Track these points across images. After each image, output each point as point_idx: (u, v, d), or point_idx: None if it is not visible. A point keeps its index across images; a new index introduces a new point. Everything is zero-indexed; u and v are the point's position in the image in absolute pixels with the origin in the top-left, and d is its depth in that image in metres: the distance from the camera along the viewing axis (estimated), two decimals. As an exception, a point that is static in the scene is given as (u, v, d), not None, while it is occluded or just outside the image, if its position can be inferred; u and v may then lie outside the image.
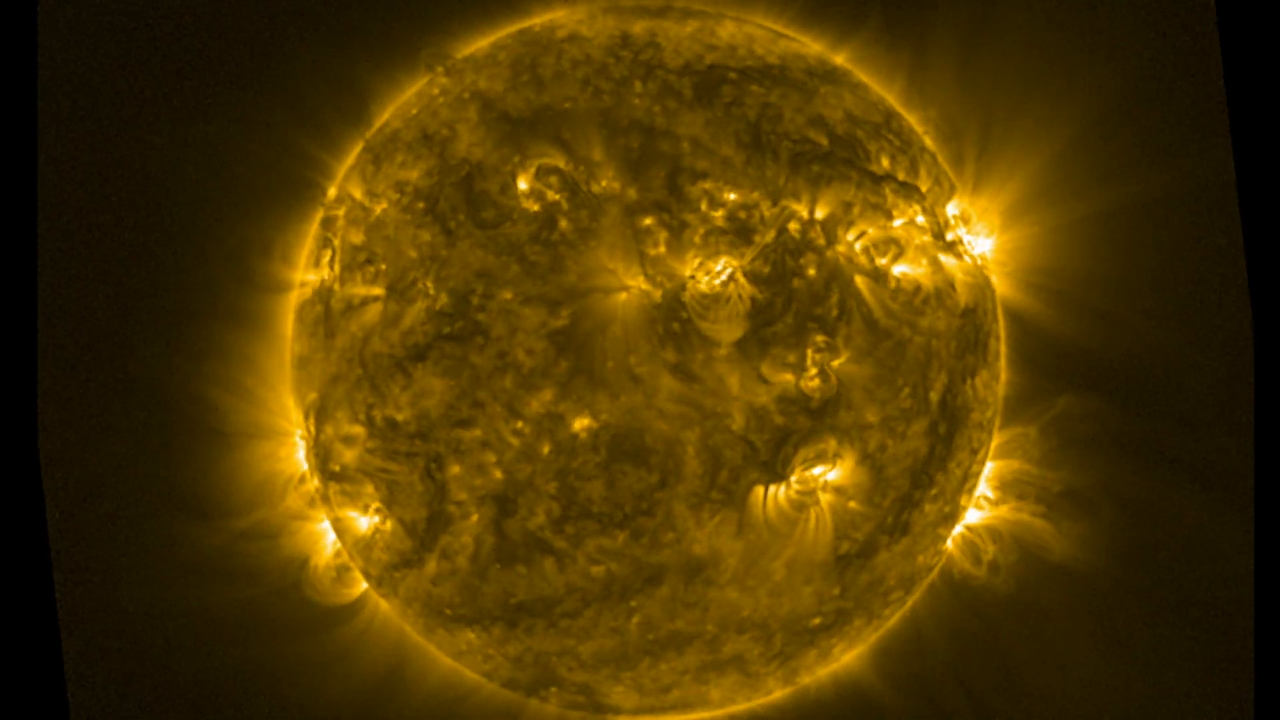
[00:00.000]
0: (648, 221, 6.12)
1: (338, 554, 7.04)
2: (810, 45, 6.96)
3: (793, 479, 6.24)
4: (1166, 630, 6.96)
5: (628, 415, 6.11)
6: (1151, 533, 6.93)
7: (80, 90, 6.96)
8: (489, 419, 6.17)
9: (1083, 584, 6.99)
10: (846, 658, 7.12)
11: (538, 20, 7.01)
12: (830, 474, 6.32)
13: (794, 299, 6.16)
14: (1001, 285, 6.99)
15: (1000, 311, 6.97)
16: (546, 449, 6.14)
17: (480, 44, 7.02)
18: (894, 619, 7.11)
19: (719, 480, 6.16)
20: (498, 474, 6.20)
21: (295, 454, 7.02)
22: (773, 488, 6.23)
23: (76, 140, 6.95)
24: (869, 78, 7.01)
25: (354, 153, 7.08)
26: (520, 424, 6.13)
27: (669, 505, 6.17)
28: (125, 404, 7.00)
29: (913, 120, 6.99)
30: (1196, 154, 6.87)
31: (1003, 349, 6.97)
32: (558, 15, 6.99)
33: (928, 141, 6.93)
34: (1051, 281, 6.96)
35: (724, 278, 6.14)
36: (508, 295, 6.15)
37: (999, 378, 6.96)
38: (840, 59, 6.96)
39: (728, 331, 6.10)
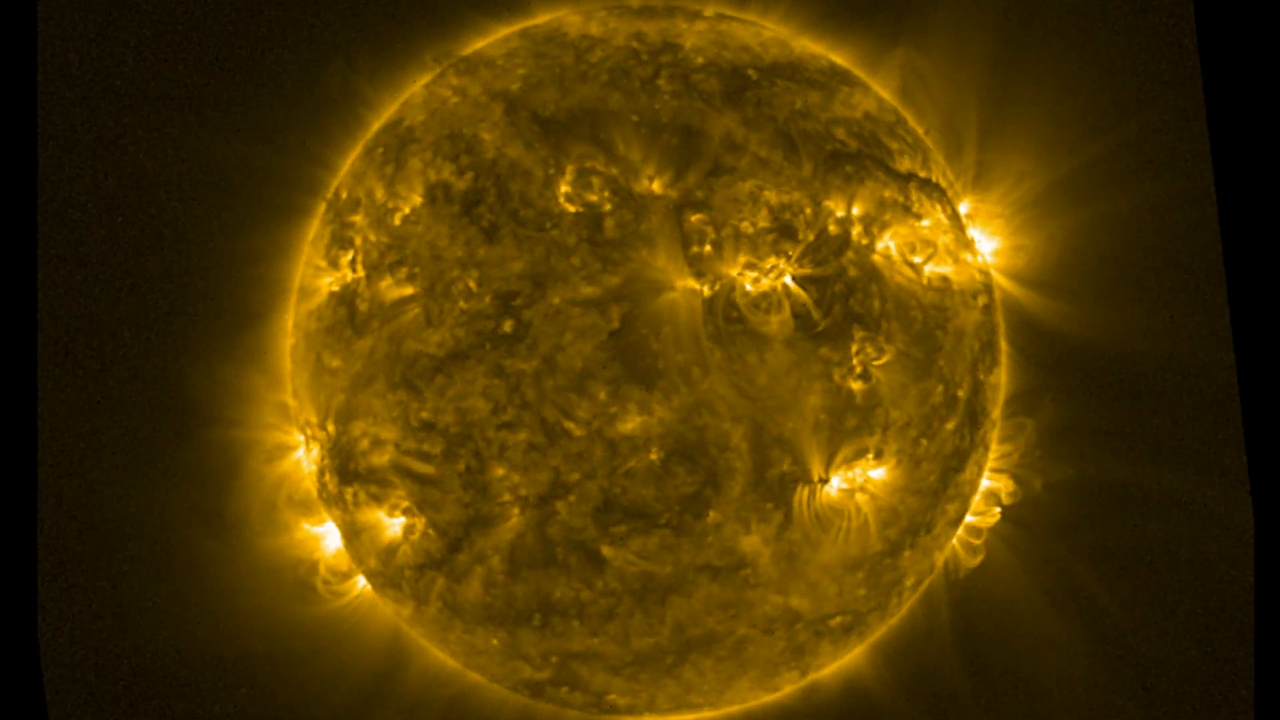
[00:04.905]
0: (694, 220, 6.13)
1: (339, 555, 6.92)
2: (813, 46, 7.04)
3: (834, 478, 6.28)
4: (1166, 629, 7.10)
5: (677, 416, 6.09)
6: (1149, 528, 7.07)
7: (80, 92, 6.78)
8: (536, 420, 6.11)
9: (1080, 582, 7.10)
10: (849, 655, 7.16)
11: (540, 19, 6.99)
12: (870, 473, 6.37)
13: (838, 299, 6.21)
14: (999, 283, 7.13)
15: (1000, 310, 7.11)
16: (595, 450, 6.10)
17: (480, 44, 6.98)
18: (895, 617, 7.18)
19: (765, 479, 6.17)
20: (543, 475, 6.13)
21: (298, 455, 6.89)
22: (816, 488, 6.25)
23: (76, 142, 6.77)
24: (869, 78, 7.11)
25: (356, 153, 6.98)
26: (570, 425, 6.08)
27: (716, 506, 6.16)
28: (125, 405, 6.82)
29: (912, 120, 7.10)
30: (1179, 160, 7.08)
31: (1004, 347, 7.10)
32: (560, 14, 6.97)
33: (928, 141, 7.05)
34: (1048, 279, 7.10)
35: (771, 277, 6.17)
36: (555, 296, 6.10)
37: (1002, 376, 7.09)
38: (840, 59, 7.05)
39: (776, 331, 6.12)
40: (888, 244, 6.39)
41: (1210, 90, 7.08)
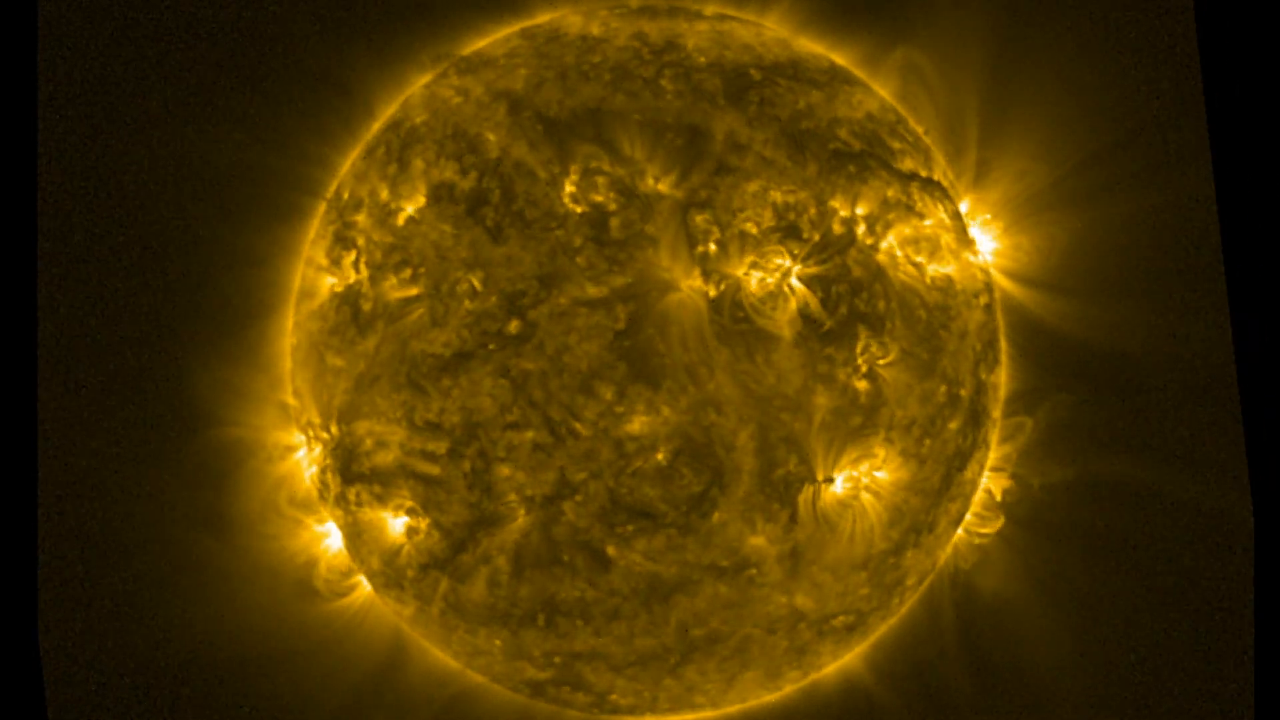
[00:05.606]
0: (699, 219, 6.13)
1: (340, 555, 6.90)
2: (813, 45, 7.05)
3: (839, 478, 6.28)
4: (1166, 629, 7.11)
5: (684, 416, 6.09)
6: (1149, 528, 7.08)
7: (80, 92, 6.75)
8: (543, 420, 6.10)
9: (1080, 581, 7.11)
10: (850, 655, 7.17)
11: (541, 19, 6.98)
12: (875, 473, 6.37)
13: (843, 299, 6.22)
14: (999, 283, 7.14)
15: (1000, 310, 7.12)
16: (602, 450, 6.10)
17: (480, 43, 6.96)
18: (896, 616, 7.18)
19: (771, 479, 6.17)
20: (549, 476, 6.13)
21: (299, 455, 6.87)
22: (821, 487, 6.26)
23: (76, 142, 6.74)
24: (869, 78, 7.11)
25: (356, 153, 6.96)
26: (576, 425, 6.08)
27: (722, 506, 6.16)
28: (126, 405, 6.80)
29: (912, 121, 7.11)
30: (1179, 160, 7.09)
31: (1003, 346, 7.11)
32: (559, 14, 6.96)
33: (928, 141, 7.06)
34: (1048, 279, 7.11)
35: (777, 277, 6.17)
36: (561, 296, 6.09)
37: (1002, 375, 7.10)
38: (840, 59, 7.05)
39: (782, 331, 6.13)
40: (891, 243, 6.39)
41: (1210, 90, 7.09)
